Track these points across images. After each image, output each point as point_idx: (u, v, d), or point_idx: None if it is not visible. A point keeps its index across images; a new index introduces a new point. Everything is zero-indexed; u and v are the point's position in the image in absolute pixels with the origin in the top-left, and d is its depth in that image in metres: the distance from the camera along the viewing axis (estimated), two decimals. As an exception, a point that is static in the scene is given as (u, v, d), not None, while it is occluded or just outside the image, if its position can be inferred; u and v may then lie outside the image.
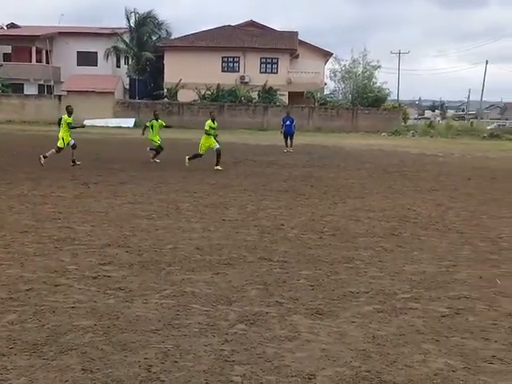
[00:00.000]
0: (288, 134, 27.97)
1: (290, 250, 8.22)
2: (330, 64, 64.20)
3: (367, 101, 57.11)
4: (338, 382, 4.27)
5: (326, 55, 62.42)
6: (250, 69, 57.10)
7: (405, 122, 58.50)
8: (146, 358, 4.52)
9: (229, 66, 58.26)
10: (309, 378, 4.29)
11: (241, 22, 64.27)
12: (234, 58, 58.06)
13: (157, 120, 20.28)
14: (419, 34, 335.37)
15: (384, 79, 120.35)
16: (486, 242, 9.11)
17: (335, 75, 61.80)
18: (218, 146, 18.59)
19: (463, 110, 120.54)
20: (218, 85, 54.29)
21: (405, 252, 8.29)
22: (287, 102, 55.82)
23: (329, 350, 4.82)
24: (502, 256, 8.19)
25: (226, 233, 9.26)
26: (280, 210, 11.45)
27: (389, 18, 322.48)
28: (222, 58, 57.85)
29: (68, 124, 17.96)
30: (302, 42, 59.58)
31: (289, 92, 56.86)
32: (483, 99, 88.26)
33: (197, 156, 18.77)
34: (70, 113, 18.09)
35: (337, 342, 5.00)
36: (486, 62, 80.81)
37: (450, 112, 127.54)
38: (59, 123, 18.40)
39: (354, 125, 51.29)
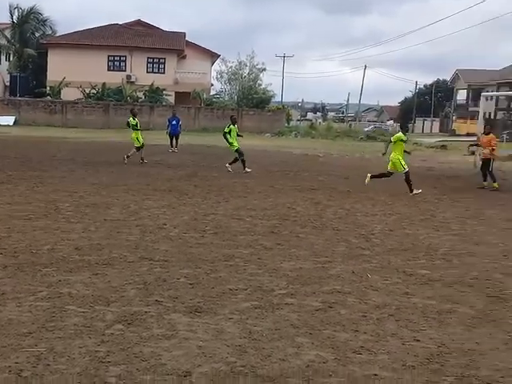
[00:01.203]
0: (174, 133, 27.88)
1: (171, 249, 8.24)
2: (217, 65, 64.54)
3: (252, 102, 57.94)
4: (214, 377, 4.35)
5: (213, 56, 62.69)
6: (137, 68, 56.34)
7: (288, 124, 59.85)
8: (16, 363, 4.40)
9: (115, 65, 57.20)
10: (184, 376, 4.34)
11: (128, 21, 63.26)
12: (120, 56, 57.08)
13: (234, 125, 19.54)
14: (304, 38, 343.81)
15: (269, 81, 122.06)
16: (360, 238, 9.55)
17: (222, 76, 62.31)
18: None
19: (343, 113, 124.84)
20: (104, 84, 53.12)
21: (283, 249, 8.53)
22: (174, 102, 55.55)
23: (206, 346, 4.89)
24: (374, 251, 8.62)
25: (107, 232, 9.14)
26: (163, 210, 11.42)
27: (275, 22, 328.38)
28: (109, 56, 56.71)
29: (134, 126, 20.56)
30: (189, 43, 59.52)
31: (175, 92, 56.63)
32: (361, 102, 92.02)
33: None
34: (134, 115, 20.97)
35: (214, 338, 5.08)
36: (365, 66, 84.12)
37: (331, 114, 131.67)
38: (128, 125, 21.01)
39: (240, 125, 51.76)
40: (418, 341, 5.22)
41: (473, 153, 25.57)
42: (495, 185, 17.28)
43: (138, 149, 20.84)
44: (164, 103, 53.92)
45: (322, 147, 35.17)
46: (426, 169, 23.47)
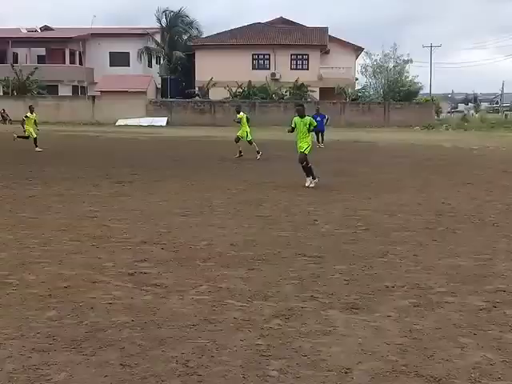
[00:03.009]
0: (319, 130, 27.89)
1: (324, 245, 8.21)
2: (361, 59, 63.84)
3: (399, 95, 56.73)
4: (375, 375, 4.26)
5: (357, 50, 62.06)
6: (281, 65, 57.08)
7: (438, 116, 57.95)
8: (183, 353, 4.57)
9: (259, 64, 58.36)
10: (345, 373, 4.29)
11: (271, 19, 64.29)
12: (264, 55, 58.14)
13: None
14: (454, 27, 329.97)
15: (416, 73, 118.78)
16: (524, 234, 8.98)
17: (366, 70, 61.66)
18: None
19: (497, 103, 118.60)
20: (249, 82, 54.37)
21: (440, 246, 8.21)
22: (318, 98, 55.61)
23: (365, 344, 4.80)
24: (540, 249, 8.06)
25: (260, 229, 9.29)
26: (313, 206, 11.43)
27: (424, 12, 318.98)
28: (253, 55, 57.97)
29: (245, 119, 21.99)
30: (332, 38, 59.34)
31: (320, 88, 56.66)
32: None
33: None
34: (238, 112, 22.42)
35: (373, 336, 4.98)
36: (520, 52, 79.31)
37: (484, 105, 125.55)
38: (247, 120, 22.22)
39: (386, 119, 50.85)
40: None
41: None
42: None
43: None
44: (309, 99, 54.14)
45: (475, 140, 33.63)
46: None
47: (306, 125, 14.17)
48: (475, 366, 4.42)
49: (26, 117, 24.28)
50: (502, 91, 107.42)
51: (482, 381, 4.19)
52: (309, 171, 14.14)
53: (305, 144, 14.23)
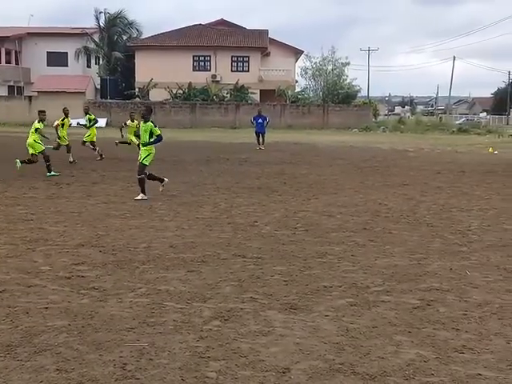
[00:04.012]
0: (260, 131, 28.05)
1: (263, 246, 8.28)
2: (302, 61, 64.40)
3: (338, 98, 57.50)
4: (313, 375, 4.33)
5: (297, 53, 62.57)
6: (222, 67, 57.01)
7: (375, 118, 58.97)
8: (121, 357, 4.53)
9: (200, 65, 58.13)
10: (283, 372, 4.34)
11: (211, 20, 64.20)
12: (205, 56, 57.96)
13: None
14: (392, 31, 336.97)
15: (355, 76, 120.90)
16: (456, 234, 9.26)
17: (306, 73, 62.10)
18: None
19: (432, 106, 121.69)
20: (190, 83, 54.14)
21: (377, 246, 8.40)
22: (259, 99, 55.86)
23: (303, 343, 4.87)
24: (471, 248, 8.34)
25: (200, 231, 9.29)
26: (253, 207, 11.50)
27: (363, 16, 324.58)
28: (193, 56, 57.72)
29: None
30: (272, 40, 59.64)
31: (260, 90, 56.91)
32: (451, 94, 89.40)
33: None
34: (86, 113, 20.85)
35: (311, 335, 5.05)
36: (454, 57, 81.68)
37: (420, 108, 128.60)
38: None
39: (326, 121, 51.41)
40: (525, 341, 5.00)
41: None
42: None
43: None
44: (249, 101, 54.31)
45: (411, 142, 34.44)
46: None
47: (146, 131, 12.32)
48: (409, 363, 4.55)
49: (125, 124, 21.45)
50: (437, 94, 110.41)
51: (415, 377, 4.32)
52: (141, 185, 12.31)
53: (144, 152, 12.49)
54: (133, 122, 21.13)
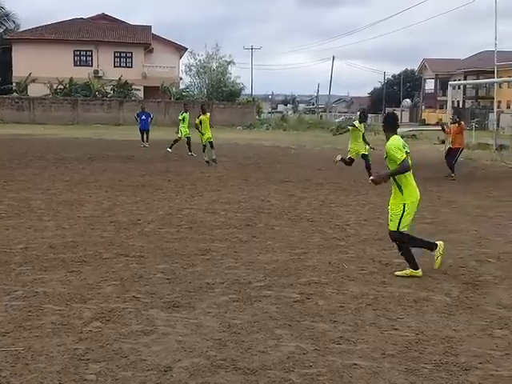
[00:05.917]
0: (144, 129, 27.70)
1: (146, 244, 8.20)
2: (186, 59, 64.27)
3: (222, 95, 57.86)
4: (194, 372, 4.34)
5: (181, 50, 62.35)
6: (104, 63, 55.79)
7: (259, 116, 59.90)
8: (-5, 363, 4.34)
9: (81, 60, 56.63)
10: (165, 371, 4.33)
11: (93, 15, 62.53)
12: (86, 51, 56.51)
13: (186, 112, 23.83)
14: (276, 31, 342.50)
15: (239, 74, 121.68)
16: (335, 229, 9.60)
17: (190, 70, 62.06)
18: None
19: (313, 104, 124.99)
20: (71, 79, 52.54)
21: (259, 242, 8.54)
22: (143, 96, 55.17)
23: (185, 341, 4.88)
24: (349, 242, 8.68)
25: (81, 230, 9.06)
26: (137, 205, 11.35)
27: (247, 15, 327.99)
28: (74, 51, 56.12)
29: None
30: (155, 37, 59.11)
31: (144, 86, 56.24)
32: (332, 93, 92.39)
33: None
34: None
35: (193, 333, 5.07)
36: (333, 57, 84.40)
37: (302, 106, 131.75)
38: None
39: (211, 119, 51.61)
40: (396, 329, 5.26)
41: (443, 142, 25.77)
42: (453, 175, 17.13)
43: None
44: (133, 98, 53.50)
45: (293, 139, 35.24)
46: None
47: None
48: (289, 356, 4.66)
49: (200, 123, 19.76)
50: (318, 93, 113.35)
51: (295, 370, 4.43)
52: None
53: None
54: (205, 114, 20.28)
